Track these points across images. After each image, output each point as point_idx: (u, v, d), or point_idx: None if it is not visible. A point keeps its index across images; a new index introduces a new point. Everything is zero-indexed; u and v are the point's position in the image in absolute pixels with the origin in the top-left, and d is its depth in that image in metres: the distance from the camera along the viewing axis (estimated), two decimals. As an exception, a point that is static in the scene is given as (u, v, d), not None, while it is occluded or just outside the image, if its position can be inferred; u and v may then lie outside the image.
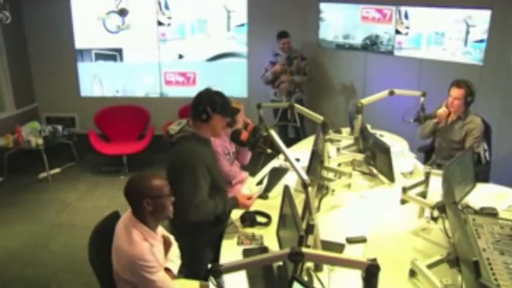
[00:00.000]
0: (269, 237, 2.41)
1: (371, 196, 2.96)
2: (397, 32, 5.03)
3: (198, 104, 2.42)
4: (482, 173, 3.41)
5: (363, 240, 2.39)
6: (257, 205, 2.71)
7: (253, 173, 3.42)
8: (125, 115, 5.76)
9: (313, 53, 5.66)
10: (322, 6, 5.60)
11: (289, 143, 4.07)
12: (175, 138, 2.47)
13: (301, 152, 3.44)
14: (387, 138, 3.85)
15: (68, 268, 3.53)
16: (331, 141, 3.73)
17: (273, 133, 2.57)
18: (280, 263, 2.11)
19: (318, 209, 2.57)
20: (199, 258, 2.47)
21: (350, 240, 2.37)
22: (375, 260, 1.57)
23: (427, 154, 3.96)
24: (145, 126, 5.77)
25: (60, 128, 5.49)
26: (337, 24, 5.55)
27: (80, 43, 5.98)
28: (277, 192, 2.92)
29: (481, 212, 2.52)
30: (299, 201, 2.33)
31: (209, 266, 1.70)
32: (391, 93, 3.58)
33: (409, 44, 4.99)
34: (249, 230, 2.50)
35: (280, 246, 2.22)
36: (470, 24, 4.49)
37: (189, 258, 2.40)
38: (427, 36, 4.85)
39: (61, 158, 5.50)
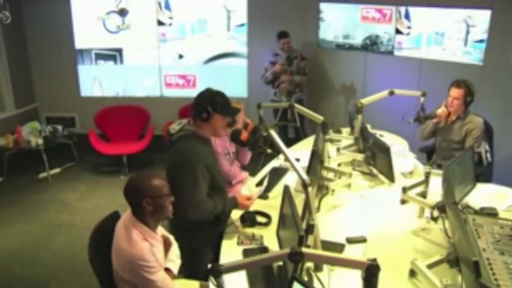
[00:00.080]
0: (269, 237, 2.40)
1: (371, 196, 2.96)
2: (399, 32, 5.03)
3: (199, 103, 2.43)
4: (484, 174, 3.41)
5: (363, 240, 2.39)
6: (257, 205, 2.71)
7: (253, 173, 3.43)
8: (125, 115, 5.76)
9: (313, 53, 5.66)
10: (322, 6, 5.60)
11: (289, 143, 4.07)
12: (176, 137, 2.48)
13: (301, 152, 3.44)
14: (387, 138, 3.85)
15: (68, 268, 3.53)
16: (331, 141, 3.73)
17: (273, 133, 2.57)
18: (280, 263, 2.11)
19: (318, 209, 2.57)
20: (199, 258, 2.47)
21: (350, 240, 2.37)
22: (375, 260, 1.57)
23: (428, 154, 3.96)
24: (145, 126, 5.77)
25: (60, 128, 5.49)
26: (337, 24, 5.55)
27: (80, 43, 5.98)
28: (277, 192, 2.92)
29: (481, 212, 2.52)
30: (299, 201, 2.33)
31: (209, 266, 1.70)
32: (391, 93, 3.58)
33: (409, 44, 4.99)
34: (249, 230, 2.50)
35: (280, 246, 2.22)
36: (470, 24, 4.49)
37: (189, 258, 2.40)
38: (427, 36, 4.85)
39: (61, 158, 5.50)
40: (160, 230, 2.19)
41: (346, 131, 4.12)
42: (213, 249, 2.46)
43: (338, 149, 3.54)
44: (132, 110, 5.82)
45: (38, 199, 4.70)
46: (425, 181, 2.70)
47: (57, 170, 5.32)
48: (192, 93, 2.60)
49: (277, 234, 2.33)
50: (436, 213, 2.38)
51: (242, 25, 5.86)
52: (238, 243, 2.39)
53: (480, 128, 3.43)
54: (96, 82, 6.15)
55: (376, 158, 3.19)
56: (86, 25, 5.89)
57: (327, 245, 2.22)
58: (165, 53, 5.99)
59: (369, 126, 3.66)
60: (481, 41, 4.43)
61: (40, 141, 5.12)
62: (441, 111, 3.50)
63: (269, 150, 2.85)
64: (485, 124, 3.55)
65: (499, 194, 2.91)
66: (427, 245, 2.36)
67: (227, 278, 1.78)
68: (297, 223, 1.89)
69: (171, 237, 2.25)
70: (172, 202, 2.08)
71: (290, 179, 3.14)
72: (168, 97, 6.12)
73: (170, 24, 5.87)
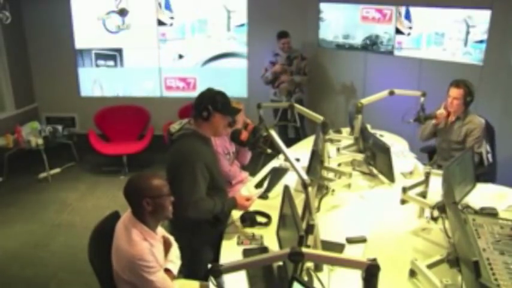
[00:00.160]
0: (269, 237, 2.40)
1: (371, 196, 2.96)
2: (400, 32, 5.02)
3: (200, 103, 2.44)
4: (485, 174, 3.40)
5: (363, 240, 2.39)
6: (257, 205, 2.71)
7: (253, 173, 3.43)
8: (124, 115, 5.76)
9: (313, 53, 5.66)
10: (322, 6, 5.60)
11: (289, 143, 4.07)
12: (176, 135, 2.48)
13: (301, 152, 3.44)
14: (387, 138, 3.85)
15: (68, 268, 3.53)
16: (331, 141, 3.73)
17: (273, 133, 2.57)
18: (280, 263, 2.11)
19: (318, 209, 2.57)
20: (199, 258, 2.47)
21: (350, 240, 2.37)
22: (375, 260, 1.57)
23: (430, 155, 3.96)
24: (145, 126, 5.77)
25: (60, 128, 5.49)
26: (337, 24, 5.55)
27: (80, 43, 5.98)
28: (277, 192, 2.92)
29: (481, 212, 2.52)
30: (299, 201, 2.33)
31: (209, 266, 1.70)
32: (391, 93, 3.58)
33: (409, 45, 4.99)
34: (249, 230, 2.50)
35: (280, 246, 2.22)
36: (471, 24, 4.49)
37: (188, 258, 2.40)
38: (427, 36, 4.84)
39: (61, 158, 5.50)
40: (161, 231, 2.19)
41: (346, 131, 4.12)
42: (213, 249, 2.46)
43: (338, 149, 3.54)
44: (132, 110, 5.82)
45: (38, 199, 4.70)
46: (425, 181, 2.70)
47: (57, 170, 5.32)
48: (193, 95, 2.63)
49: (277, 234, 2.33)
50: (436, 213, 2.38)
51: (242, 25, 5.86)
52: (238, 243, 2.38)
53: (481, 129, 3.43)
54: (96, 84, 6.15)
55: (376, 158, 3.19)
56: (86, 25, 5.89)
57: (327, 245, 2.22)
58: (165, 53, 5.99)
59: (369, 126, 3.66)
60: (481, 41, 4.43)
61: (40, 141, 5.12)
62: (440, 112, 3.50)
63: (269, 150, 2.85)
64: (487, 124, 3.55)
65: (499, 194, 2.91)
66: (427, 245, 2.36)
67: (227, 278, 1.78)
68: (297, 223, 1.89)
69: (171, 238, 2.25)
70: (172, 202, 2.08)
71: (290, 179, 3.14)
72: (168, 97, 6.12)
73: (171, 24, 5.87)
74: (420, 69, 4.89)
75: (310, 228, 1.96)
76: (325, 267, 2.04)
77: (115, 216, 2.23)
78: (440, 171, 2.63)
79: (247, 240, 2.40)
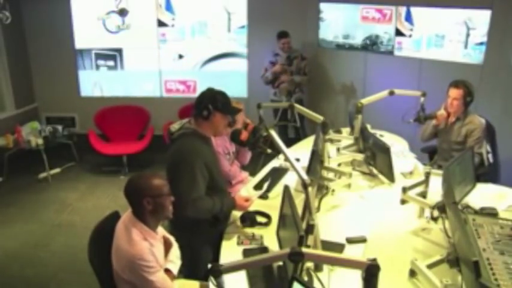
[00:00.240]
0: (269, 237, 2.40)
1: (371, 196, 2.96)
2: (401, 34, 5.01)
3: (200, 102, 2.45)
4: (486, 174, 3.40)
5: (363, 240, 2.39)
6: (257, 205, 2.71)
7: (253, 173, 3.43)
8: (124, 115, 5.76)
9: (313, 53, 5.66)
10: (322, 6, 5.59)
11: (289, 143, 4.07)
12: (176, 135, 2.48)
13: (301, 152, 3.44)
14: (387, 138, 3.85)
15: (68, 268, 3.53)
16: (331, 141, 3.73)
17: (273, 133, 2.57)
18: (280, 263, 2.11)
19: (318, 209, 2.57)
20: (199, 258, 2.47)
21: (350, 240, 2.37)
22: (375, 260, 1.57)
23: (430, 155, 3.96)
24: (145, 126, 5.77)
25: (60, 128, 5.49)
26: (337, 24, 5.55)
27: (80, 43, 5.98)
28: (277, 192, 2.92)
29: (481, 212, 2.52)
30: (299, 201, 2.33)
31: (209, 266, 1.70)
32: (391, 93, 3.58)
33: (410, 46, 4.98)
34: (249, 230, 2.50)
35: (280, 246, 2.22)
36: (471, 27, 4.48)
37: (188, 258, 2.40)
38: (428, 38, 4.84)
39: (61, 158, 5.50)
40: (161, 231, 2.19)
41: (346, 131, 4.12)
42: (213, 249, 2.46)
43: (338, 149, 3.54)
44: (132, 110, 5.82)
45: (38, 199, 4.70)
46: (425, 181, 2.70)
47: (57, 170, 5.32)
48: (193, 96, 2.64)
49: (277, 234, 2.33)
50: (436, 213, 2.38)
51: (242, 27, 5.86)
52: (238, 243, 2.38)
53: (481, 129, 3.43)
54: (97, 87, 6.15)
55: (376, 158, 3.19)
56: (86, 25, 5.89)
57: (327, 245, 2.22)
58: (165, 53, 5.99)
59: (369, 126, 3.66)
60: (481, 43, 4.43)
61: (40, 141, 5.12)
62: (441, 113, 3.50)
63: (269, 150, 2.85)
64: (487, 124, 3.55)
65: (499, 194, 2.90)
66: (427, 245, 2.36)
67: (227, 278, 1.78)
68: (297, 223, 1.89)
69: (172, 238, 2.25)
70: (172, 202, 2.08)
71: (290, 179, 3.14)
72: (168, 97, 6.13)
73: (172, 26, 5.87)
74: (420, 69, 4.89)
75: (310, 228, 1.96)
76: (325, 267, 2.04)
77: (115, 216, 2.23)
78: (440, 171, 2.63)
79: (247, 240, 2.40)
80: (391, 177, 3.05)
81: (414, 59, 4.94)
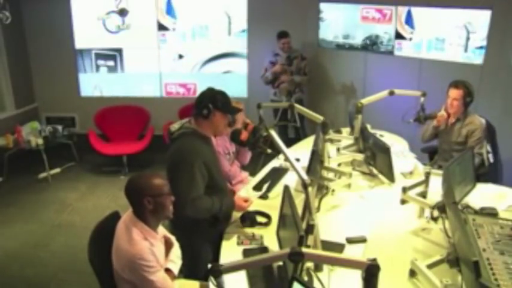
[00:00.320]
0: (269, 237, 2.41)
1: (371, 196, 2.96)
2: (401, 37, 5.01)
3: (201, 101, 2.45)
4: (486, 174, 3.40)
5: (363, 240, 2.39)
6: (257, 205, 2.71)
7: (253, 173, 3.43)
8: (124, 115, 5.76)
9: (313, 53, 5.66)
10: (322, 6, 5.60)
11: (289, 143, 4.07)
12: (176, 134, 2.48)
13: (301, 152, 3.44)
14: (387, 138, 3.85)
15: (68, 268, 3.53)
16: (331, 141, 3.73)
17: (273, 133, 2.57)
18: (280, 263, 2.11)
19: (318, 209, 2.57)
20: (199, 258, 2.47)
21: (350, 240, 2.37)
22: (375, 260, 1.57)
23: (430, 155, 3.95)
24: (145, 126, 5.76)
25: (60, 128, 5.49)
26: (337, 24, 5.55)
27: (80, 43, 5.97)
28: (277, 192, 2.93)
29: (481, 212, 2.52)
30: (299, 201, 2.33)
31: (209, 266, 1.70)
32: (391, 93, 3.58)
33: (410, 48, 4.98)
34: (249, 230, 2.50)
35: (280, 246, 2.22)
36: (471, 30, 4.48)
37: (189, 257, 2.40)
38: (428, 41, 4.83)
39: (61, 158, 5.49)
40: (162, 231, 2.20)
41: (346, 131, 4.12)
42: (213, 249, 2.46)
43: (338, 149, 3.54)
44: (132, 110, 5.81)
45: (38, 199, 4.70)
46: (425, 181, 2.70)
47: (57, 170, 5.32)
48: (193, 98, 2.65)
49: (277, 234, 2.33)
50: (436, 213, 2.38)
51: (243, 31, 5.85)
52: (238, 243, 2.38)
53: (481, 129, 3.43)
54: (97, 90, 6.15)
55: (376, 158, 3.19)
56: (86, 25, 5.89)
57: (327, 245, 2.22)
58: (165, 53, 5.98)
59: (369, 126, 3.66)
60: (481, 47, 4.43)
61: (40, 141, 5.12)
62: (441, 114, 3.50)
63: (269, 150, 2.85)
64: (487, 124, 3.55)
65: (499, 194, 2.90)
66: (427, 245, 2.36)
67: (227, 278, 1.78)
68: (297, 223, 1.89)
69: (173, 238, 2.25)
70: (173, 202, 2.08)
71: (290, 179, 3.14)
72: (168, 97, 6.13)
73: (174, 29, 5.87)
74: (420, 69, 4.89)
75: (310, 228, 1.96)
76: (325, 267, 2.04)
77: (115, 216, 2.23)
78: (440, 171, 2.63)
79: (247, 240, 2.40)
80: (391, 177, 3.05)
81: (414, 59, 4.94)
